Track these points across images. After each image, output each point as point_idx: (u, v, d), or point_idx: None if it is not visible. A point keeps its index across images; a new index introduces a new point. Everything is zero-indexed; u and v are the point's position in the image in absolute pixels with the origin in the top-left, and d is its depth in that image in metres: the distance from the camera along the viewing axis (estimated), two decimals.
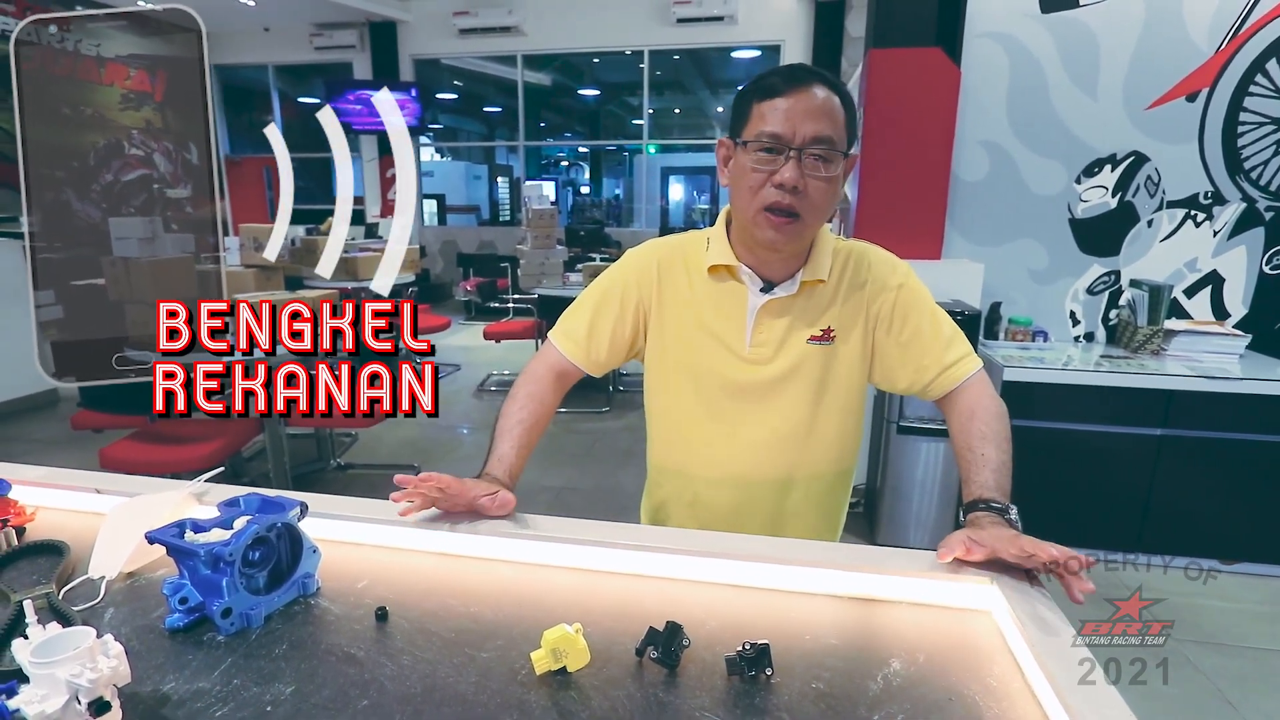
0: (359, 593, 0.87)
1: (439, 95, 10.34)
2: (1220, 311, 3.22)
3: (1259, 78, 2.97)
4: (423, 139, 9.61)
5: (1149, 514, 2.85)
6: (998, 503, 0.93)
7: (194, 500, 1.04)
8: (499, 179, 12.76)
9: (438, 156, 12.13)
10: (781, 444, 1.11)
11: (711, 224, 1.15)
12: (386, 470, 3.78)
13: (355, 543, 0.99)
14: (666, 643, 0.72)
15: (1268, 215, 3.09)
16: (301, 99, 10.54)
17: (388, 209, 8.99)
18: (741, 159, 0.98)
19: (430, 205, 9.89)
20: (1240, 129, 3.03)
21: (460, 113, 12.00)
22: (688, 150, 13.89)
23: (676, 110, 12.62)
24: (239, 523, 0.84)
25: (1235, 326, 3.17)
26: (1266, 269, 3.14)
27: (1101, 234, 3.22)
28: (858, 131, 1.00)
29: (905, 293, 1.09)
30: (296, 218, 9.21)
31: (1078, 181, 3.18)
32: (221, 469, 1.19)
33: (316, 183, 11.79)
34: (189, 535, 0.83)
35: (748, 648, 0.71)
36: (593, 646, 0.73)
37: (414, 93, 8.70)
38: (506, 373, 5.65)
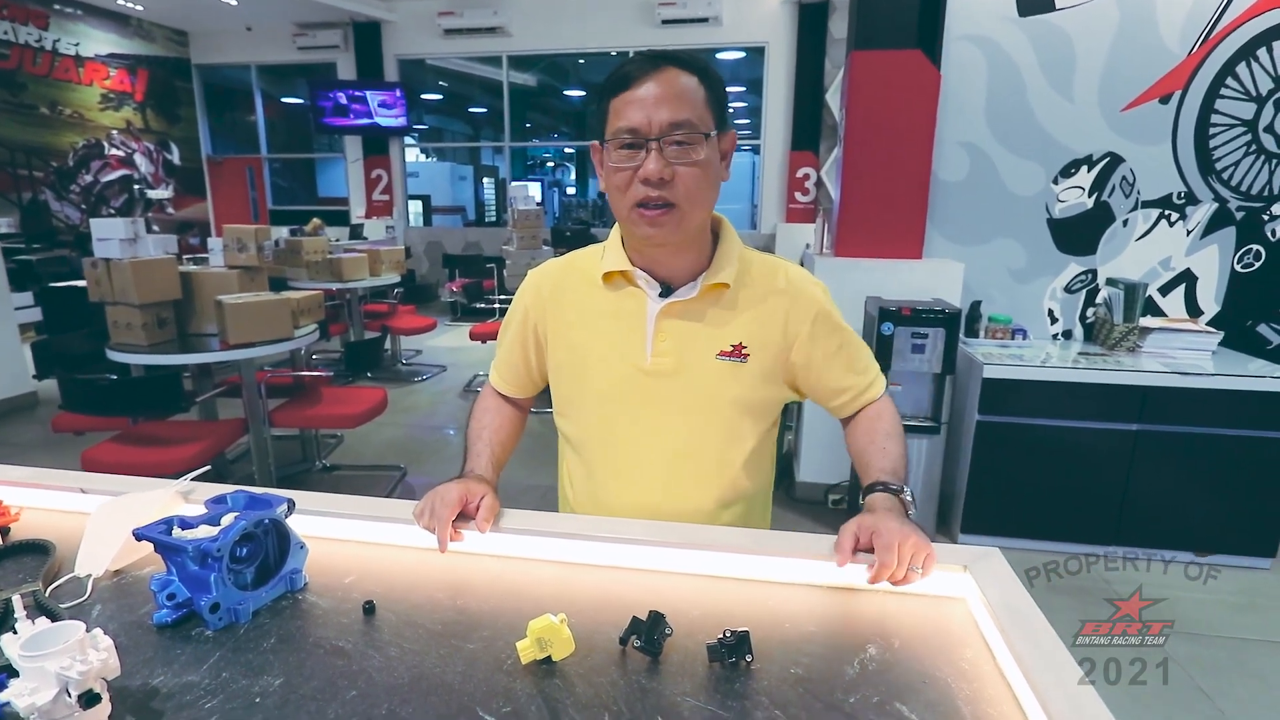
0: (346, 587, 0.88)
1: (424, 96, 10.31)
2: (1193, 309, 3.29)
3: (1230, 80, 3.03)
4: (408, 140, 9.57)
5: (1126, 508, 2.91)
6: (894, 484, 0.96)
7: (180, 498, 1.05)
8: (485, 180, 12.74)
9: (423, 157, 12.09)
10: (696, 472, 1.05)
11: None
12: (372, 471, 3.77)
13: (342, 539, 1.00)
14: (649, 632, 0.74)
15: (1239, 215, 3.16)
16: (285, 99, 10.47)
17: (373, 210, 8.95)
18: (608, 160, 0.94)
19: (415, 206, 9.85)
20: (1212, 130, 3.10)
21: (446, 113, 11.97)
22: None
23: None
24: (226, 519, 0.85)
25: (1208, 324, 3.24)
26: (1238, 267, 3.22)
27: (1078, 233, 3.28)
28: (727, 109, 0.95)
29: (827, 315, 1.06)
30: (280, 219, 9.14)
31: (1055, 182, 3.24)
32: (208, 468, 1.19)
33: (299, 183, 11.71)
34: (176, 532, 0.84)
35: (728, 635, 0.73)
36: (577, 636, 0.74)
37: (399, 93, 8.67)
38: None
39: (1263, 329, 3.25)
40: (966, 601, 0.85)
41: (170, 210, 9.11)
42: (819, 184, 7.87)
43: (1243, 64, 3.01)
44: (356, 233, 8.12)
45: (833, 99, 7.26)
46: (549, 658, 0.72)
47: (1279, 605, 2.67)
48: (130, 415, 2.95)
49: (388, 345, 5.56)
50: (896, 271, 3.16)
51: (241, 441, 3.24)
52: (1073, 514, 2.95)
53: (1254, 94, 3.03)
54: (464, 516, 0.96)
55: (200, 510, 0.90)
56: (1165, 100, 3.09)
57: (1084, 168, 3.21)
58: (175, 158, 9.20)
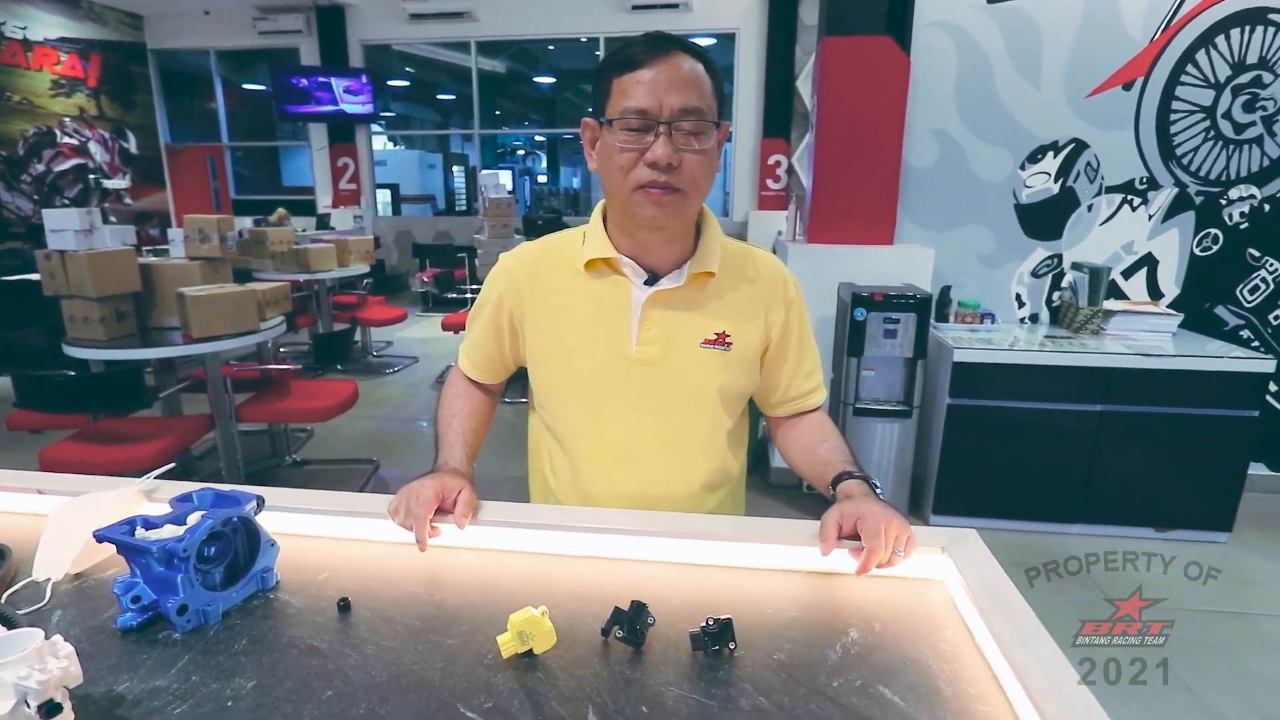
0: (320, 585, 0.86)
1: (390, 82, 10.10)
2: (1155, 292, 3.37)
3: (1189, 67, 3.10)
4: (375, 127, 9.38)
5: (1091, 486, 2.98)
6: (859, 472, 0.96)
7: (143, 498, 1.01)
8: (454, 168, 12.55)
9: (391, 145, 11.87)
10: (684, 458, 1.06)
11: None
12: (344, 465, 3.71)
13: (314, 535, 0.97)
14: (631, 622, 0.73)
15: (1198, 200, 3.23)
16: (246, 85, 10.19)
17: (340, 199, 8.76)
18: (608, 139, 0.91)
19: (384, 195, 9.68)
20: (1173, 117, 3.16)
21: (413, 100, 11.75)
22: None
23: None
24: (193, 518, 0.82)
25: (1169, 306, 3.32)
26: (1197, 251, 3.30)
27: (1045, 219, 3.33)
28: (725, 100, 0.94)
29: (798, 309, 1.08)
30: (244, 208, 8.92)
31: (1022, 168, 3.28)
32: (173, 465, 1.15)
33: (263, 172, 11.43)
34: (140, 532, 0.81)
35: (711, 623, 0.73)
36: (558, 628, 0.73)
37: (365, 79, 8.49)
38: None
39: (1220, 311, 3.34)
40: (944, 583, 0.86)
41: (128, 200, 8.82)
42: (790, 171, 7.89)
43: (1202, 51, 3.08)
44: (323, 223, 7.95)
45: (803, 86, 7.27)
46: (530, 651, 0.71)
47: (1236, 577, 2.76)
48: (89, 412, 2.86)
49: (358, 337, 5.47)
50: (868, 257, 3.18)
51: (208, 438, 3.17)
52: (1040, 493, 3.01)
53: (1212, 81, 3.10)
54: (441, 511, 0.94)
55: (165, 509, 0.87)
56: (1128, 87, 3.15)
57: (1050, 154, 3.26)
58: (132, 146, 8.89)
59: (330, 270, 5.07)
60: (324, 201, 8.95)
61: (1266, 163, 3.16)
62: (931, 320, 3.12)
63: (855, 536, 0.86)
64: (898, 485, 3.07)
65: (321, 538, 0.97)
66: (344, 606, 0.81)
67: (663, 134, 0.88)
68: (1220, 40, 3.06)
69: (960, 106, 3.24)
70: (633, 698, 0.66)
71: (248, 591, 0.85)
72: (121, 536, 0.79)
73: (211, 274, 3.16)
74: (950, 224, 3.38)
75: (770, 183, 8.12)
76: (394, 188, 9.98)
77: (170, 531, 0.81)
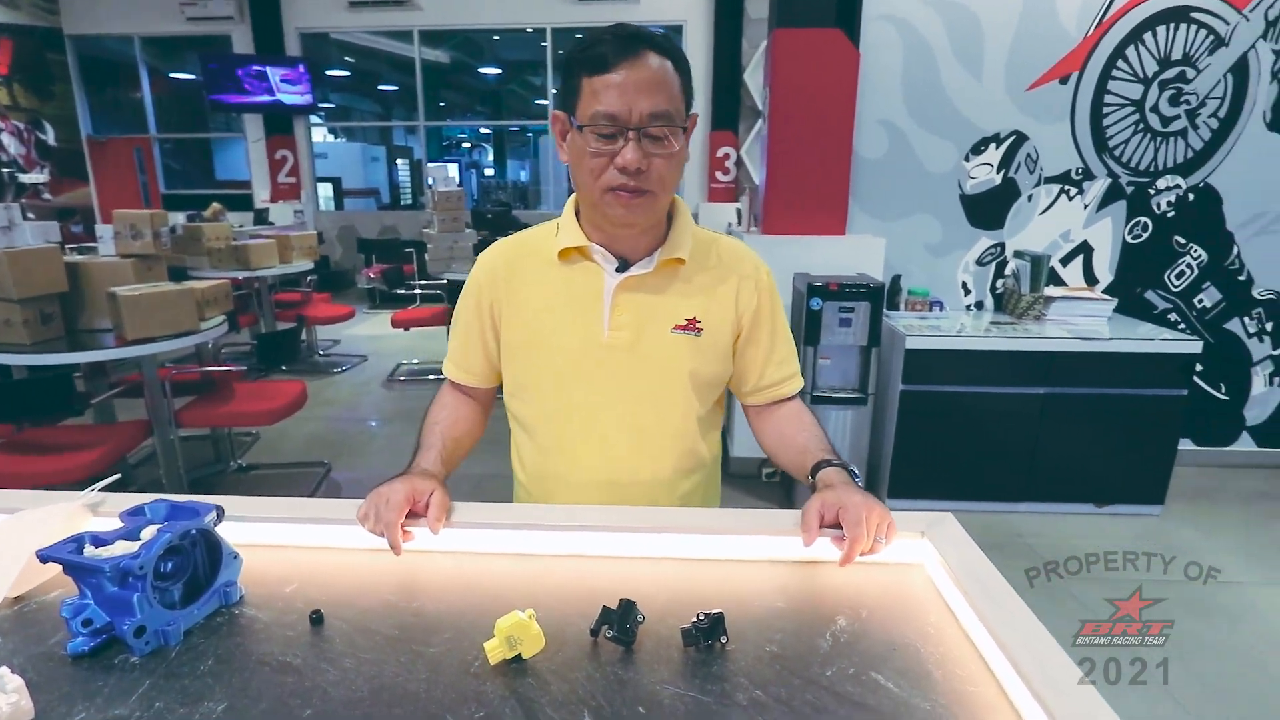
0: (288, 597, 0.82)
1: (329, 72, 9.77)
2: (1090, 278, 3.52)
3: (1120, 63, 3.23)
4: (314, 119, 9.05)
5: (1035, 466, 3.10)
6: (837, 460, 0.98)
7: (87, 512, 0.95)
8: (398, 161, 12.23)
9: (331, 137, 11.48)
10: (657, 442, 1.07)
11: None
12: (294, 469, 3.59)
13: (279, 545, 0.93)
14: (621, 620, 0.72)
15: (1129, 190, 3.39)
16: (175, 74, 9.70)
17: (279, 193, 8.44)
18: (578, 141, 0.93)
19: (325, 189, 9.36)
20: (1105, 110, 3.30)
21: (353, 91, 11.40)
22: None
23: None
24: (147, 532, 0.77)
25: (1104, 291, 3.47)
26: (1128, 238, 3.46)
27: (988, 208, 3.44)
28: (693, 91, 0.96)
29: (769, 298, 1.09)
30: (175, 203, 8.51)
31: (966, 159, 3.38)
32: (118, 476, 1.08)
33: (195, 165, 10.93)
34: (89, 550, 0.75)
35: (702, 618, 0.72)
36: (545, 631, 0.71)
37: (303, 69, 8.18)
38: (416, 361, 5.47)
39: (1150, 295, 3.51)
40: (924, 566, 0.87)
41: (47, 195, 8.31)
42: (739, 163, 7.95)
43: (1131, 47, 3.21)
44: (262, 218, 7.64)
45: (751, 79, 7.33)
46: (518, 656, 0.69)
47: (1170, 547, 2.92)
48: (14, 421, 2.69)
49: (304, 336, 5.29)
50: (821, 248, 3.23)
51: (145, 444, 3.01)
52: (989, 474, 3.12)
53: (1141, 76, 3.25)
54: (412, 515, 0.91)
55: (114, 524, 0.81)
56: (1064, 81, 3.27)
57: (992, 145, 3.36)
58: (50, 138, 8.37)
59: (272, 267, 4.88)
60: (262, 196, 8.61)
61: (1190, 154, 3.33)
62: (884, 309, 3.19)
63: (837, 525, 0.86)
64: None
65: (286, 547, 0.93)
66: (316, 619, 0.77)
67: (632, 139, 0.89)
68: (1148, 37, 3.20)
69: (907, 99, 3.31)
70: (628, 698, 0.65)
71: (210, 608, 0.80)
72: (69, 555, 0.73)
73: (145, 272, 3.00)
74: (899, 214, 3.45)
75: (719, 175, 8.17)
76: (336, 181, 9.65)
77: (123, 548, 0.75)
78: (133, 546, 0.75)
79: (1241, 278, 3.45)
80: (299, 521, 0.93)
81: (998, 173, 3.39)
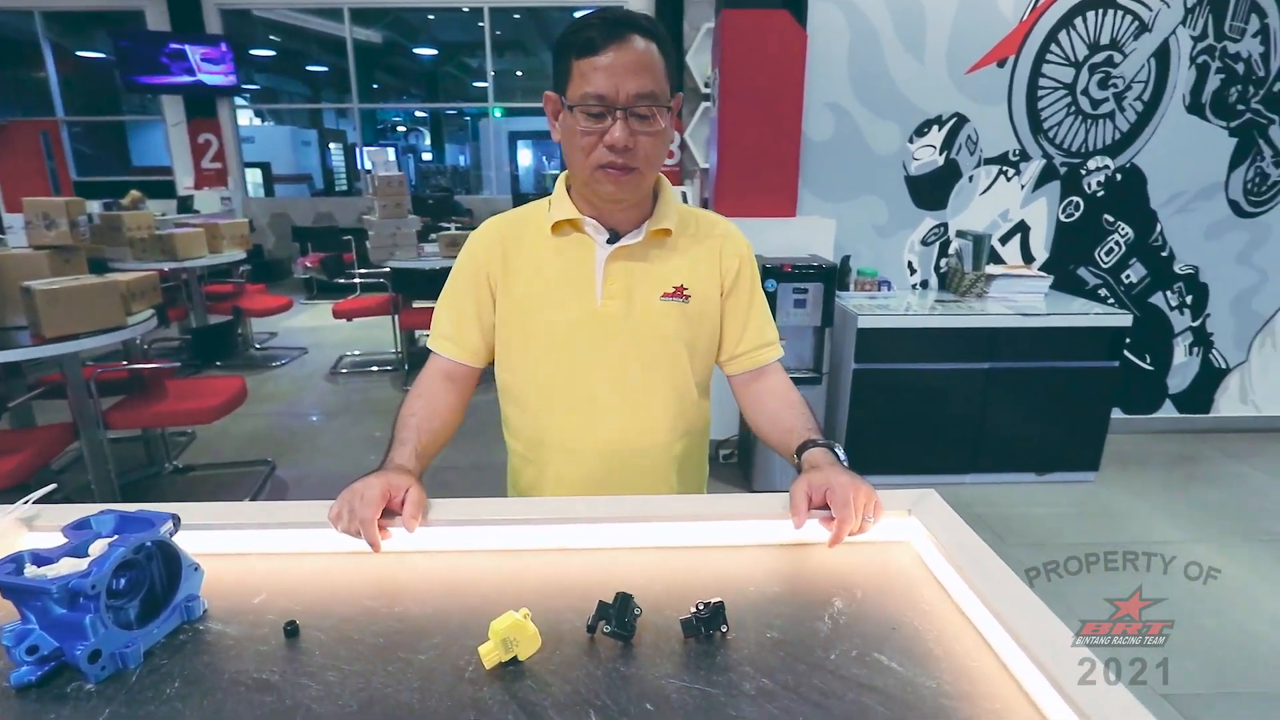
0: (258, 609, 0.77)
1: (254, 52, 9.28)
2: (1027, 256, 3.65)
3: (1053, 47, 3.34)
4: (239, 100, 8.59)
5: (980, 438, 3.22)
6: (823, 440, 1.00)
7: (22, 527, 0.87)
8: (331, 145, 11.75)
9: (258, 120, 10.94)
10: (651, 406, 1.11)
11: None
12: (235, 469, 3.42)
13: (242, 553, 0.87)
14: (619, 614, 0.70)
15: (1062, 170, 3.51)
16: (82, 53, 9.05)
17: (203, 180, 8.00)
18: (569, 121, 0.98)
19: (254, 175, 8.92)
20: (1040, 93, 3.41)
21: (280, 72, 10.89)
22: (535, 114, 13.54)
23: (519, 73, 12.22)
24: (97, 547, 0.71)
25: (1040, 269, 3.61)
26: (1062, 217, 3.59)
27: (932, 189, 3.52)
28: (680, 71, 0.99)
29: (749, 264, 1.15)
30: (87, 191, 7.97)
31: (911, 141, 3.44)
32: (54, 486, 1.00)
33: (109, 150, 10.27)
34: (30, 570, 0.69)
35: (701, 608, 0.70)
36: (540, 630, 0.68)
37: (225, 48, 7.74)
38: (358, 353, 5.29)
39: (1082, 272, 3.66)
40: (911, 543, 0.88)
41: None
42: (683, 146, 7.94)
43: (1063, 31, 3.32)
44: (186, 205, 7.23)
45: (693, 61, 7.30)
46: (515, 658, 0.66)
47: (1103, 511, 3.08)
48: None
49: (240, 329, 5.05)
50: (773, 230, 3.25)
51: (71, 448, 2.82)
52: (937, 448, 3.22)
53: (1073, 59, 3.36)
54: (388, 513, 0.86)
55: (56, 539, 0.74)
56: (1002, 64, 3.36)
57: (935, 127, 3.43)
58: None
59: (201, 257, 4.61)
60: (185, 182, 8.13)
61: (1118, 135, 3.47)
62: (835, 290, 3.24)
63: (824, 506, 0.86)
64: None
65: (250, 555, 0.87)
66: (291, 630, 0.73)
67: (619, 119, 0.94)
68: (1079, 21, 3.31)
69: (853, 81, 3.34)
70: (634, 695, 0.63)
71: (171, 625, 0.74)
72: (8, 577, 0.66)
73: (62, 265, 2.79)
74: (847, 195, 3.50)
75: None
76: (265, 167, 9.20)
77: (70, 565, 0.69)
78: (81, 564, 0.69)
79: (1164, 254, 3.64)
80: (264, 527, 0.87)
81: (940, 154, 3.47)
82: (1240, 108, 3.46)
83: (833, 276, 2.96)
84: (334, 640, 0.71)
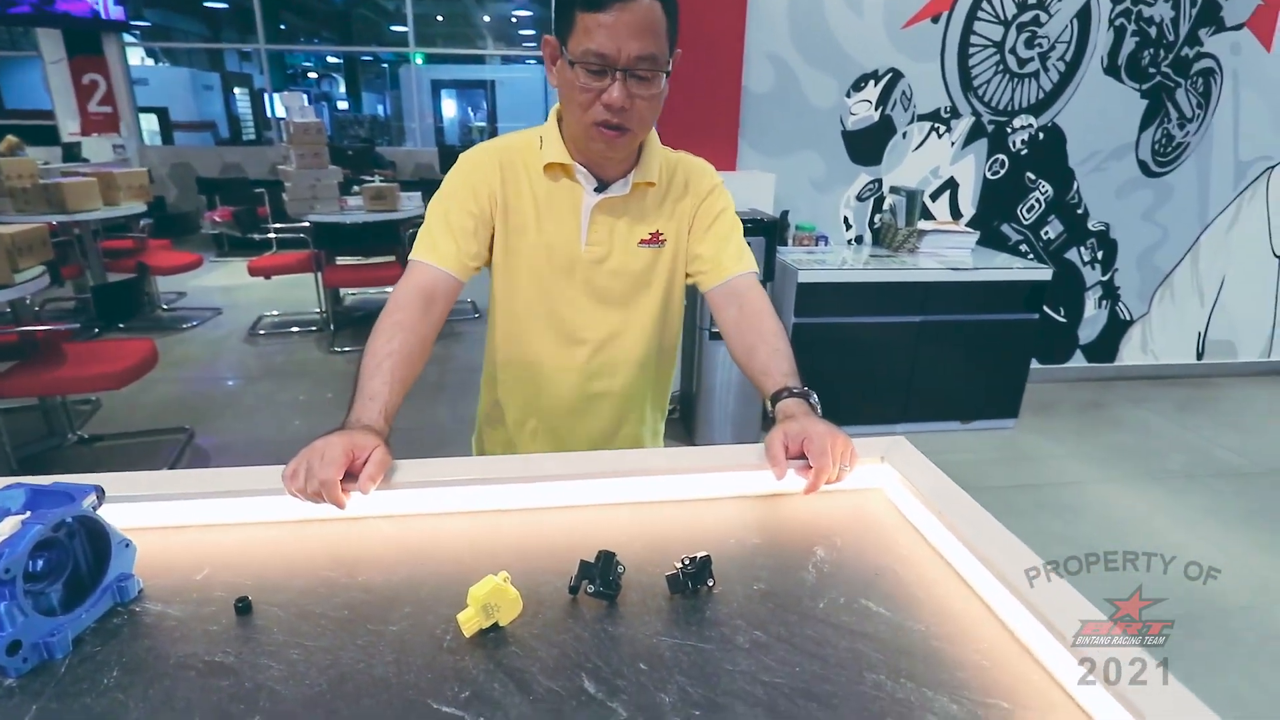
0: (202, 586, 0.70)
1: None
2: (956, 212, 3.76)
3: (985, 4, 3.38)
4: (128, 38, 7.81)
5: (911, 389, 3.34)
6: (798, 388, 1.00)
7: None
8: (236, 90, 10.90)
9: (151, 61, 10.00)
10: (622, 339, 1.18)
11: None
12: (149, 438, 3.20)
13: (179, 526, 0.79)
14: (603, 573, 0.67)
15: (990, 128, 3.61)
16: None
17: (91, 125, 7.28)
18: (568, 74, 0.97)
19: (150, 121, 8.18)
20: (970, 50, 3.46)
21: (173, 8, 9.95)
22: (460, 62, 12.90)
23: (439, 18, 11.58)
24: (7, 526, 0.62)
25: (967, 225, 3.72)
26: (988, 174, 3.70)
27: (867, 145, 3.55)
28: (677, 31, 1.00)
29: (722, 198, 1.19)
30: None
31: (848, 95, 3.45)
32: None
33: None
34: None
35: (688, 563, 0.68)
36: (520, 593, 0.65)
37: None
38: (278, 313, 5.01)
39: (1005, 228, 3.80)
40: (884, 490, 0.88)
41: None
42: None
43: None
44: (73, 153, 6.58)
45: None
46: (495, 625, 0.63)
47: (1023, 455, 3.27)
48: None
49: (147, 288, 4.67)
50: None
51: None
52: (872, 400, 3.32)
53: (1002, 18, 3.42)
54: (349, 476, 0.79)
55: None
56: (936, 20, 3.38)
57: (871, 82, 3.44)
58: None
59: (95, 210, 4.21)
60: (70, 128, 7.38)
61: (1042, 95, 3.58)
62: (775, 245, 3.25)
63: (801, 455, 0.85)
64: (750, 403, 3.23)
65: (188, 528, 0.79)
66: (243, 607, 0.66)
67: (618, 79, 0.94)
68: None
69: (793, 32, 3.30)
70: (626, 655, 0.60)
71: (103, 608, 0.67)
72: None
73: None
74: (786, 150, 3.49)
75: None
76: (162, 112, 8.46)
77: None
78: None
79: (1080, 211, 3.82)
80: (202, 496, 0.79)
81: (876, 110, 3.49)
82: (1151, 70, 3.62)
83: (774, 231, 2.96)
84: (293, 615, 0.66)
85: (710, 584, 0.69)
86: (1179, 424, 3.61)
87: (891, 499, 0.86)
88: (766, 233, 2.94)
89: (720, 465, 0.87)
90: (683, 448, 0.89)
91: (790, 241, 3.46)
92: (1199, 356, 4.21)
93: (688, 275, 1.19)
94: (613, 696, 0.56)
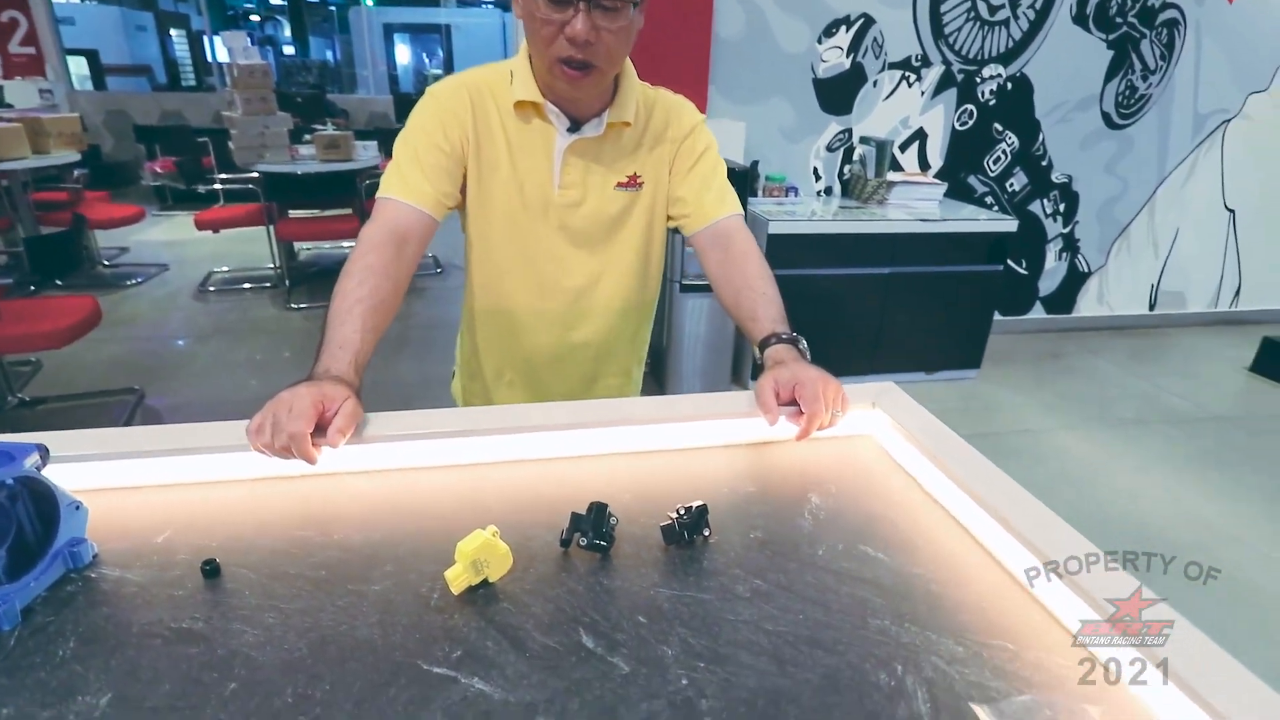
0: (163, 549, 0.65)
1: None
2: (924, 163, 3.74)
3: None
4: None
5: (880, 340, 3.37)
6: (787, 334, 0.98)
7: None
8: (173, 32, 10.23)
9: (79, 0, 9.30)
10: (598, 295, 1.15)
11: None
12: (96, 399, 3.05)
13: (134, 486, 0.74)
14: (596, 525, 0.64)
15: (960, 77, 3.57)
16: None
17: (13, 67, 6.76)
18: (530, 4, 0.91)
19: (78, 64, 7.63)
20: None
21: None
22: (412, 3, 12.30)
23: None
24: None
25: (935, 176, 3.72)
26: (957, 125, 3.69)
27: (838, 94, 3.49)
28: None
29: (704, 139, 1.15)
30: None
31: (819, 41, 3.37)
32: None
33: None
34: None
35: (684, 512, 0.66)
36: (509, 548, 0.62)
37: None
38: (228, 269, 4.80)
39: (972, 180, 3.81)
40: (874, 436, 0.87)
41: None
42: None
43: None
44: None
45: None
46: (485, 581, 0.60)
47: (985, 404, 3.34)
48: None
49: (86, 243, 4.41)
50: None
51: None
52: (842, 351, 3.34)
53: None
54: (319, 430, 0.74)
55: None
56: None
57: (843, 28, 3.37)
58: None
59: (24, 158, 3.92)
60: None
61: (1011, 44, 3.55)
62: (746, 195, 3.20)
63: (792, 402, 0.83)
64: (720, 355, 3.22)
65: (144, 488, 0.74)
66: (210, 570, 0.62)
67: (581, 10, 0.88)
68: None
69: None
70: (624, 608, 0.58)
71: (54, 576, 0.62)
72: None
73: None
74: (756, 98, 3.41)
75: None
76: (92, 55, 7.90)
77: None
78: None
79: (1044, 163, 3.84)
80: (157, 454, 0.73)
81: (847, 57, 3.43)
82: (1119, 20, 3.61)
83: (745, 181, 2.91)
84: (266, 577, 0.62)
85: (706, 534, 0.67)
86: (1131, 372, 3.72)
87: (883, 444, 0.85)
88: (737, 183, 2.88)
89: (710, 413, 0.84)
90: (672, 396, 0.86)
91: (760, 192, 3.41)
92: (1151, 307, 4.34)
93: (670, 218, 1.14)
94: (613, 651, 0.54)
